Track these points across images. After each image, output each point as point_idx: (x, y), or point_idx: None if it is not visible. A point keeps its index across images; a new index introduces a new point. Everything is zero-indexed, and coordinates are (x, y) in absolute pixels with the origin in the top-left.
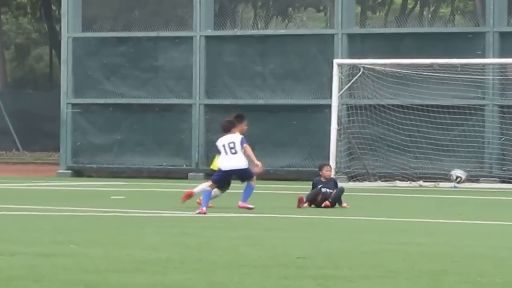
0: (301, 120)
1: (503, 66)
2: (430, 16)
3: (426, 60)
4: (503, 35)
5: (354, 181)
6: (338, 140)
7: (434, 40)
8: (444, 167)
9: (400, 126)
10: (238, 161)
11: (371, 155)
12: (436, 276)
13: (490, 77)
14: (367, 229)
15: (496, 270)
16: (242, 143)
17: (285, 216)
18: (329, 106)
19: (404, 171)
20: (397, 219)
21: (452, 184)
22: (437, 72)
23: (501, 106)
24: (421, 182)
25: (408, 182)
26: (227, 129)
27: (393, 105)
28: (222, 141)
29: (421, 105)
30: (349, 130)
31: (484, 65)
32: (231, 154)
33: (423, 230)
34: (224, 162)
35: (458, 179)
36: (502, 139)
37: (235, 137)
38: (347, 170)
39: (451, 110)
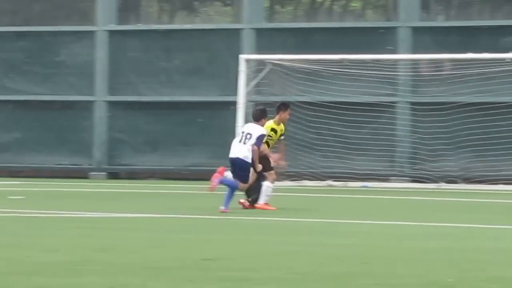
0: (207, 118)
1: (415, 62)
2: (340, 10)
3: (336, 56)
4: (415, 30)
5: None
6: None
7: (344, 35)
8: (354, 166)
9: (309, 123)
10: (242, 150)
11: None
12: (345, 278)
13: (402, 73)
14: (275, 230)
15: (407, 272)
16: (258, 140)
17: (191, 217)
18: (235, 103)
19: (313, 170)
20: (305, 219)
21: (362, 184)
22: (348, 68)
23: (413, 103)
24: (330, 182)
25: (317, 181)
26: (256, 118)
27: (302, 102)
28: (244, 128)
29: (331, 102)
30: None
31: (395, 60)
32: (240, 142)
33: (332, 231)
34: (233, 149)
35: None
36: (413, 137)
37: (257, 129)
38: None
39: (361, 107)
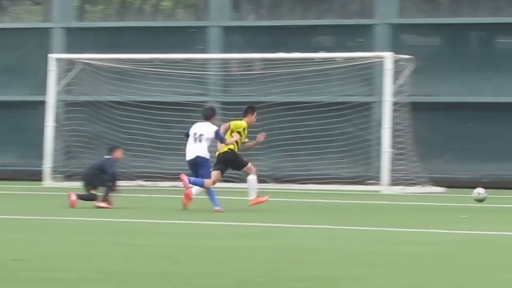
0: (16, 118)
1: (226, 62)
2: (151, 9)
3: (146, 55)
4: (226, 29)
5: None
6: (54, 138)
7: (155, 35)
8: (165, 166)
9: (119, 123)
10: (199, 149)
11: (89, 154)
12: (156, 278)
13: (213, 73)
14: (88, 230)
15: (217, 272)
16: (219, 137)
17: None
18: (44, 103)
19: (123, 170)
20: (116, 220)
21: (172, 184)
22: (158, 68)
23: (223, 103)
24: (140, 182)
25: (127, 181)
26: (207, 117)
27: (112, 102)
28: (195, 129)
29: (142, 102)
30: (66, 128)
31: (206, 60)
32: (195, 142)
33: (142, 230)
34: (189, 150)
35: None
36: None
37: (209, 128)
38: (64, 169)
39: (172, 107)
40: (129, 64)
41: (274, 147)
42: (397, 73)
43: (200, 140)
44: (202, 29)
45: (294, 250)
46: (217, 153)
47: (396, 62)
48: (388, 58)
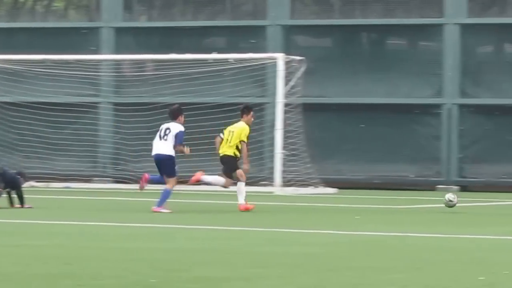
0: None
1: (118, 63)
2: (43, 10)
3: (38, 56)
4: (117, 30)
5: None
6: None
7: (47, 35)
8: (56, 166)
9: (11, 124)
10: (163, 147)
11: None
12: (49, 279)
13: (105, 74)
14: None
15: (110, 273)
16: (177, 138)
17: None
18: None
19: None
20: (4, 220)
21: (64, 185)
22: (50, 69)
23: (116, 104)
24: (32, 182)
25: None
26: (173, 116)
27: (3, 103)
28: (162, 127)
29: (33, 103)
30: None
31: (98, 61)
32: (161, 139)
33: (34, 231)
34: (154, 147)
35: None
36: (116, 138)
37: (175, 127)
38: None
39: (64, 108)
40: (20, 65)
41: None
42: (289, 74)
43: (165, 138)
44: (94, 30)
45: (187, 250)
46: (220, 154)
47: (288, 63)
48: (280, 59)
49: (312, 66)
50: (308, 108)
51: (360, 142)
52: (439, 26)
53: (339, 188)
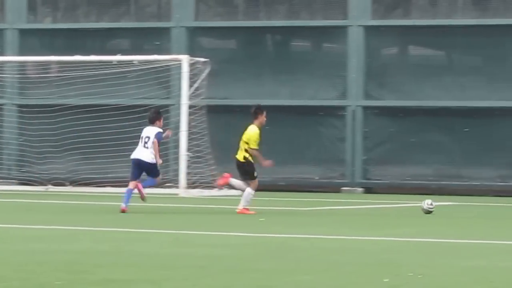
0: None
1: (23, 65)
2: None
3: None
4: (22, 32)
5: None
6: None
7: None
8: None
9: None
10: (146, 154)
11: None
12: None
13: (9, 76)
14: None
15: (13, 275)
16: (156, 137)
17: None
18: None
19: None
20: None
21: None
22: None
23: (20, 106)
24: None
25: None
26: (151, 121)
27: None
28: (143, 132)
29: None
30: None
31: (2, 63)
32: (143, 147)
33: None
34: (136, 151)
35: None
36: (21, 140)
37: (153, 130)
38: None
39: None
40: None
41: (72, 150)
42: (193, 76)
43: (147, 146)
44: None
45: (92, 253)
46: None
47: (192, 65)
48: (184, 61)
49: (217, 68)
50: (213, 110)
51: (265, 144)
52: (343, 28)
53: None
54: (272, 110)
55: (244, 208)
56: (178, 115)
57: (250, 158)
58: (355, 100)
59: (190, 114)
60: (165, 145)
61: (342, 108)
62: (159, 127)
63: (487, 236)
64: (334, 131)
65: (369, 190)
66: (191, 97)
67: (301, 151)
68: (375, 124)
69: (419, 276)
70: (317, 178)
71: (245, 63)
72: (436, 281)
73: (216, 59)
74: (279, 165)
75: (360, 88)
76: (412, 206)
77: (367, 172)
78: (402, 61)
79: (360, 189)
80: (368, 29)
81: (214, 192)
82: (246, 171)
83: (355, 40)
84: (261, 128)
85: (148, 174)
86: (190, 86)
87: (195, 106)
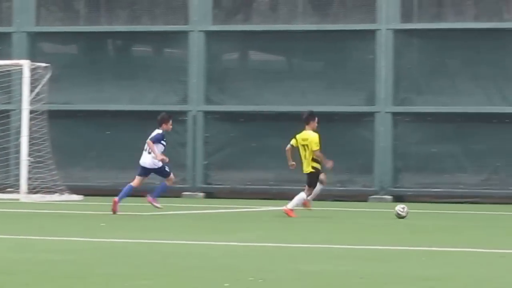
0: None
1: None
2: None
3: None
4: None
5: None
6: None
7: None
8: None
9: None
10: (147, 159)
11: None
12: None
13: None
14: None
15: None
16: (154, 137)
17: None
18: None
19: None
20: None
21: None
22: None
23: None
24: None
25: None
26: (158, 124)
27: None
28: (150, 136)
29: None
30: None
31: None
32: (147, 152)
33: None
34: (142, 157)
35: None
36: None
37: (153, 133)
38: None
39: None
40: None
41: None
42: (34, 81)
43: (149, 150)
44: None
45: None
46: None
47: (33, 70)
48: (25, 66)
49: (58, 73)
50: (54, 115)
51: (106, 149)
52: (184, 33)
53: (85, 195)
54: (113, 115)
55: (290, 210)
56: (19, 120)
57: (317, 166)
58: (196, 105)
59: (31, 119)
60: (6, 151)
61: (183, 113)
62: (165, 130)
63: (327, 240)
64: (175, 136)
65: (210, 195)
66: (32, 102)
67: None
68: (216, 129)
69: (260, 280)
70: (157, 183)
71: (86, 68)
72: (277, 285)
73: (57, 64)
74: (119, 170)
75: (201, 93)
76: (253, 211)
77: (208, 177)
78: (243, 66)
79: (201, 194)
80: (209, 34)
81: (55, 197)
82: (315, 179)
83: (196, 45)
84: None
85: (158, 175)
86: (31, 91)
87: (36, 111)
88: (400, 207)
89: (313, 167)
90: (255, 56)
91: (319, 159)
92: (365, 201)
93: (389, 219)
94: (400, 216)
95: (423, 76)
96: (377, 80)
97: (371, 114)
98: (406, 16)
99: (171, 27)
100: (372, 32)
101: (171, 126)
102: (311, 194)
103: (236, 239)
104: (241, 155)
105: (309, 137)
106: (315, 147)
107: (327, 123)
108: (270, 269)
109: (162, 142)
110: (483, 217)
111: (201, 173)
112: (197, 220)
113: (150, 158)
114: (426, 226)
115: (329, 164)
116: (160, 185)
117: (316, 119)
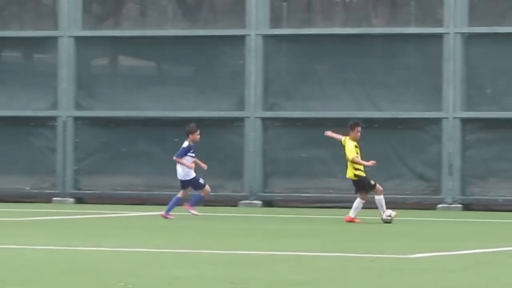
0: None
1: None
2: None
3: None
4: None
5: None
6: None
7: None
8: None
9: None
10: (179, 171)
11: None
12: None
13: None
14: None
15: None
16: (179, 151)
17: None
18: None
19: None
20: None
21: None
22: None
23: None
24: None
25: None
26: (186, 135)
27: None
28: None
29: None
30: None
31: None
32: (178, 165)
33: None
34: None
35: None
36: None
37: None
38: None
39: None
40: None
41: None
42: None
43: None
44: None
45: None
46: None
47: None
48: None
49: None
50: None
51: None
52: (54, 39)
53: None
54: None
55: (354, 217)
56: None
57: (359, 173)
58: (66, 111)
59: None
60: None
61: (53, 118)
62: (192, 140)
63: (197, 245)
64: (45, 142)
65: (80, 200)
66: None
67: (12, 161)
68: (86, 135)
69: (130, 285)
70: (28, 188)
71: None
72: None
73: None
74: None
75: (71, 99)
76: (123, 216)
77: (78, 183)
78: (113, 72)
79: (71, 199)
80: (79, 40)
81: None
82: (362, 185)
83: (66, 51)
84: (357, 140)
85: (192, 187)
86: None
87: None
88: (387, 212)
89: (355, 175)
90: (125, 61)
91: (358, 166)
92: (236, 206)
93: (259, 224)
94: (386, 221)
95: (293, 81)
96: (247, 85)
97: (241, 119)
98: (275, 21)
99: (41, 33)
100: (242, 38)
101: (198, 136)
102: (364, 199)
103: (106, 244)
104: (111, 161)
105: (346, 145)
106: (349, 156)
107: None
108: (140, 274)
109: (189, 154)
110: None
111: (71, 179)
112: (67, 226)
113: (181, 169)
114: (296, 231)
115: (370, 163)
116: (197, 194)
117: (357, 129)
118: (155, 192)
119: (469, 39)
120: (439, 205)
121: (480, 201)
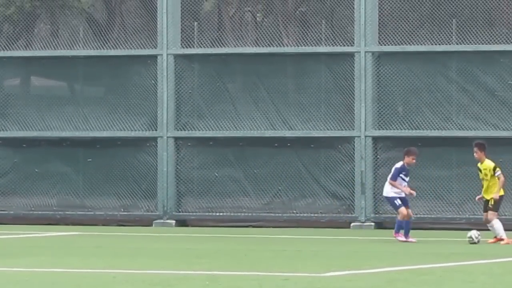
0: None
1: None
2: None
3: None
4: None
5: None
6: None
7: None
8: None
9: None
10: (385, 187)
11: None
12: None
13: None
14: None
15: None
16: (392, 173)
17: None
18: None
19: None
20: None
21: None
22: None
23: None
24: None
25: None
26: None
27: None
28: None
29: None
30: None
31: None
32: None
33: None
34: None
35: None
36: None
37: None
38: None
39: None
40: None
41: None
42: None
43: (388, 179)
44: None
45: None
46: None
47: None
48: None
49: None
50: None
51: None
52: None
53: None
54: None
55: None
56: None
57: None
58: None
59: None
60: None
61: None
62: (406, 163)
63: (110, 265)
64: None
65: None
66: None
67: None
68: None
69: None
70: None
71: None
72: None
73: None
74: None
75: None
76: (37, 236)
77: None
78: (25, 92)
79: None
80: None
81: None
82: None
83: None
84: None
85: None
86: None
87: None
88: (475, 233)
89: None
90: (37, 81)
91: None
92: (150, 225)
93: (172, 244)
94: (472, 242)
95: (205, 100)
96: (159, 105)
97: (154, 139)
98: (186, 41)
99: None
100: (154, 57)
101: (414, 161)
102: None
103: (20, 264)
104: (24, 181)
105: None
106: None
107: (109, 148)
108: None
109: (401, 176)
110: (266, 241)
111: None
112: None
113: (387, 186)
114: (210, 250)
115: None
116: (397, 221)
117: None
118: (68, 212)
119: (380, 57)
120: (352, 224)
121: (393, 220)
